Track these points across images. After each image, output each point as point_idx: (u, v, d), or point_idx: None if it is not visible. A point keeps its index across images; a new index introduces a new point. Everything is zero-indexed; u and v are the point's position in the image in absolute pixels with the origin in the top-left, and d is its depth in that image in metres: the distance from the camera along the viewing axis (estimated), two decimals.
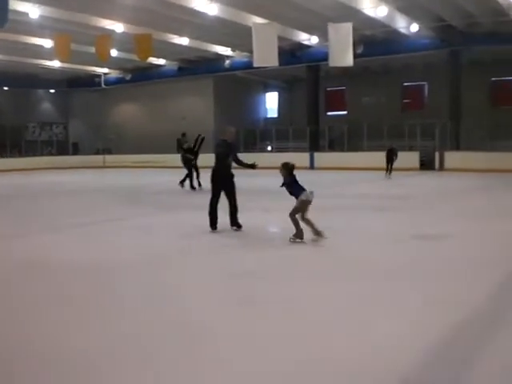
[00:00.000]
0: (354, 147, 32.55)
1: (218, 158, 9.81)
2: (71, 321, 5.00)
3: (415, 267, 6.92)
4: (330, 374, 3.78)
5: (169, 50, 31.99)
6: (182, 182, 18.30)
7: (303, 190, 8.46)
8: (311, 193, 8.42)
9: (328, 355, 4.07)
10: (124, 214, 12.80)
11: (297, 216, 8.41)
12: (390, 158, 22.87)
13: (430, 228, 10.04)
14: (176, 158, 20.04)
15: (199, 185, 17.89)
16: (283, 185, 8.66)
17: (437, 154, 28.64)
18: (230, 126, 10.33)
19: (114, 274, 6.80)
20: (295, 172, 8.60)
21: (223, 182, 9.69)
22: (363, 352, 4.13)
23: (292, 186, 8.58)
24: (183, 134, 19.09)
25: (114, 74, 40.07)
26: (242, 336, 4.54)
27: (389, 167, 22.88)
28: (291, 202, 8.50)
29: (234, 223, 9.76)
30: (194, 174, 18.12)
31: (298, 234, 8.42)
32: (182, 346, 4.32)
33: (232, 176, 9.75)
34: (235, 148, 10.32)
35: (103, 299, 5.76)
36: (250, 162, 9.83)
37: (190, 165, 18.10)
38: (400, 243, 8.67)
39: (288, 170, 8.63)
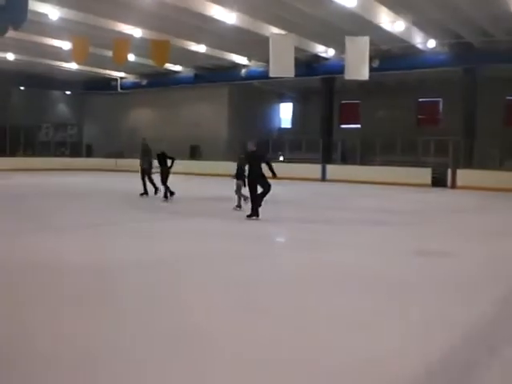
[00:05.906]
0: (367, 161, 32.49)
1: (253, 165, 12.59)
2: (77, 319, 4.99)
3: (415, 282, 6.91)
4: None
5: (186, 57, 32.07)
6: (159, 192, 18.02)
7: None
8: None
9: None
10: (141, 218, 12.85)
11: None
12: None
13: (430, 245, 9.96)
14: (187, 164, 19.84)
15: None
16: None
17: (449, 171, 28.50)
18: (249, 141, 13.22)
19: (114, 275, 6.82)
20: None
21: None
22: (364, 364, 4.10)
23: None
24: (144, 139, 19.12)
25: (130, 78, 40.27)
26: None
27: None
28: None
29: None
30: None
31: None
32: None
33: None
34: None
35: (105, 299, 5.76)
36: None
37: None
38: (399, 258, 8.63)
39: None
